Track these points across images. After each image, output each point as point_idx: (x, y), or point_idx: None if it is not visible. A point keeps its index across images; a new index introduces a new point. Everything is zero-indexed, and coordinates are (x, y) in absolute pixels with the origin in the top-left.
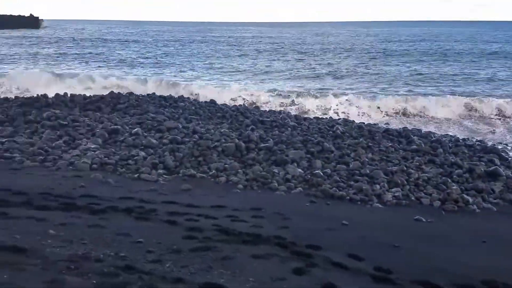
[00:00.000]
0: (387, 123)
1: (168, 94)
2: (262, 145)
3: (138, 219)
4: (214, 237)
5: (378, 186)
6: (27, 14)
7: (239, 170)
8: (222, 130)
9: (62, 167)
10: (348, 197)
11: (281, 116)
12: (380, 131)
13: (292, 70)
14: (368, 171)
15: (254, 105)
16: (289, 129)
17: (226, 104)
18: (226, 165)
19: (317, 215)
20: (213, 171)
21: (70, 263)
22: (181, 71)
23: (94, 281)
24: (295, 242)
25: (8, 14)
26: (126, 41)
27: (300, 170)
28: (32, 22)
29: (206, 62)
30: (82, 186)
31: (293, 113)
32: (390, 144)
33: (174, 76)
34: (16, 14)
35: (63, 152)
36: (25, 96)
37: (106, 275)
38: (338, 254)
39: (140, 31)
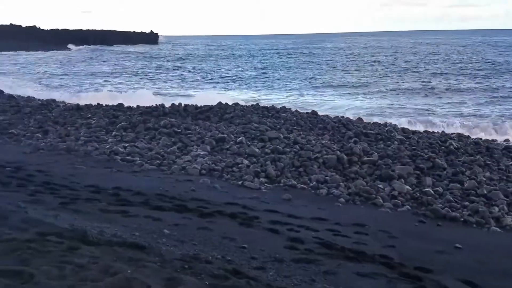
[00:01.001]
0: (506, 140)
1: (271, 105)
2: (366, 158)
3: (242, 225)
4: (316, 250)
5: (496, 208)
6: (148, 31)
7: (341, 183)
8: (323, 142)
9: (176, 171)
10: (462, 219)
11: (386, 128)
12: (500, 148)
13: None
14: (485, 192)
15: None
16: (396, 142)
17: (328, 115)
18: (327, 177)
19: (427, 236)
20: (314, 183)
21: (183, 262)
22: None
23: (207, 282)
24: (402, 263)
25: (132, 31)
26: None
27: (407, 187)
28: (152, 38)
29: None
30: (193, 190)
31: None
32: (511, 163)
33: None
34: (139, 31)
35: (177, 157)
36: (145, 106)
37: (217, 277)
38: (451, 279)
39: (251, 45)
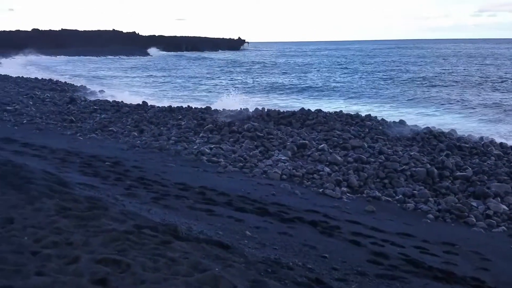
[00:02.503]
0: None
1: (355, 113)
2: (458, 173)
3: (323, 234)
4: (401, 266)
5: None
6: (235, 37)
7: (430, 199)
8: (412, 153)
9: (257, 174)
10: None
11: (482, 142)
12: None
13: None
14: None
15: None
16: (493, 158)
17: (417, 125)
18: (415, 191)
19: None
20: (400, 196)
21: (266, 266)
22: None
23: None
24: (496, 287)
25: (221, 37)
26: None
27: (504, 206)
28: (239, 44)
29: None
30: (273, 194)
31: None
32: None
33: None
34: (228, 38)
35: (258, 161)
36: (231, 109)
37: (301, 285)
38: None
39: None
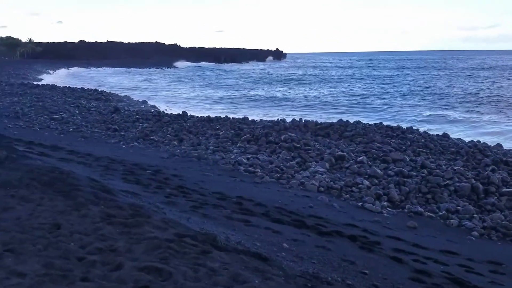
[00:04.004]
0: None
1: (396, 125)
2: (505, 189)
3: (362, 249)
4: (445, 285)
5: None
6: (273, 49)
7: (475, 215)
8: (456, 168)
9: (294, 186)
10: None
11: None
12: None
13: None
14: None
15: None
16: None
17: (461, 139)
18: (459, 207)
19: None
20: (443, 212)
21: (305, 280)
22: None
23: None
24: None
25: (259, 48)
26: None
27: None
28: (278, 54)
29: None
30: (310, 206)
31: None
32: None
33: None
34: (266, 49)
35: (295, 172)
36: (268, 120)
37: None
38: None
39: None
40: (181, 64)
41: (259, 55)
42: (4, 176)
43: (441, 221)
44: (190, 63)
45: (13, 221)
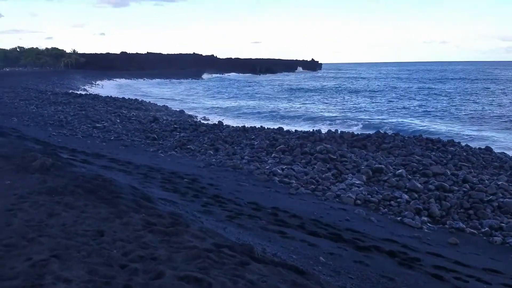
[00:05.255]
0: None
1: (436, 137)
2: None
3: (402, 265)
4: None
5: None
6: (309, 59)
7: None
8: (500, 183)
9: (330, 198)
10: None
11: None
12: None
13: None
14: None
15: None
16: None
17: (505, 153)
18: (503, 224)
19: None
20: (486, 229)
21: None
22: None
23: None
24: None
25: (294, 59)
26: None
27: None
28: (313, 65)
29: None
30: (347, 219)
31: None
32: None
33: None
34: (301, 59)
35: (331, 184)
36: (303, 130)
37: None
38: None
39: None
40: (215, 75)
41: (294, 66)
42: (50, 183)
43: (484, 238)
44: (224, 74)
45: (59, 227)
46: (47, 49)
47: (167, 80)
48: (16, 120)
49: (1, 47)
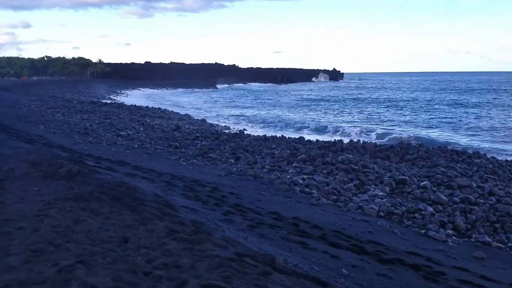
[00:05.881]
0: None
1: (461, 149)
2: None
3: (426, 279)
4: None
5: None
6: (330, 68)
7: None
8: None
9: (352, 209)
10: None
11: None
12: None
13: None
14: None
15: None
16: None
17: None
18: None
19: None
20: None
21: None
22: None
23: None
24: None
25: (316, 68)
26: None
27: None
28: (335, 74)
29: None
30: (370, 231)
31: None
32: None
33: None
34: (322, 68)
35: (353, 195)
36: (325, 140)
37: None
38: None
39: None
40: (237, 84)
41: (315, 75)
42: (76, 190)
43: (511, 252)
44: (246, 84)
45: (84, 233)
46: (73, 58)
47: (190, 89)
48: (43, 127)
49: (29, 56)
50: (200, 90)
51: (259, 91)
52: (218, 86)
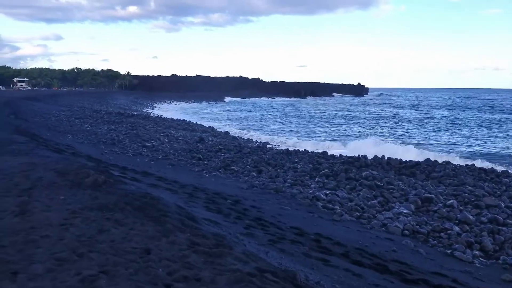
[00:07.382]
0: None
1: (490, 168)
2: None
3: None
4: None
5: None
6: (355, 83)
7: None
8: None
9: (376, 226)
10: None
11: None
12: None
13: None
14: None
15: None
16: None
17: None
18: None
19: None
20: None
21: None
22: None
23: None
24: None
25: (340, 83)
26: None
27: None
28: (359, 89)
29: None
30: (394, 250)
31: None
32: None
33: None
34: (347, 83)
35: (377, 212)
36: (348, 155)
37: None
38: None
39: None
40: (262, 98)
41: (339, 89)
42: (102, 200)
43: None
44: (270, 98)
45: (108, 243)
46: (102, 70)
47: (214, 102)
48: (71, 137)
49: (60, 68)
50: (225, 102)
51: (284, 105)
52: (248, 99)
